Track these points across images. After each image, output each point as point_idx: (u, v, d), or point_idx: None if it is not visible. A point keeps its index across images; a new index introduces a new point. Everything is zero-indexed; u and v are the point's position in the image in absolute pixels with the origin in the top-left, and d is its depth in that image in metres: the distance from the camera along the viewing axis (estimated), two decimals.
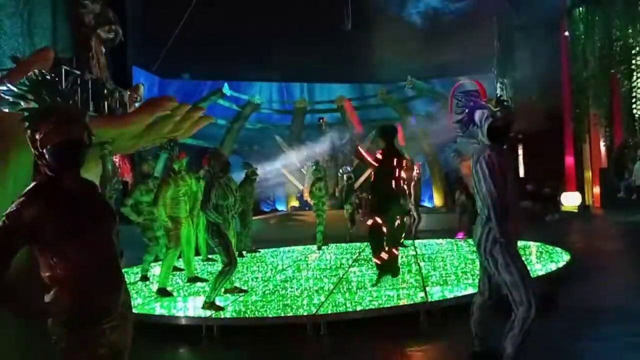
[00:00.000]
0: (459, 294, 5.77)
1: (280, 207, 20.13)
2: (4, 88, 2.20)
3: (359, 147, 6.99)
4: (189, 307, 6.13)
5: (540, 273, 6.57)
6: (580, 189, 18.89)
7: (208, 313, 5.58)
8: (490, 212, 3.38)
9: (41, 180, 2.21)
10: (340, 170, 13.61)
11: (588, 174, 19.23)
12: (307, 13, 18.08)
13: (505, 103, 3.53)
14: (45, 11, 9.91)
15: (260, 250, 11.18)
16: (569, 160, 19.31)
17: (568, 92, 18.89)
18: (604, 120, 17.97)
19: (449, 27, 17.97)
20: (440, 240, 11.07)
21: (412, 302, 5.60)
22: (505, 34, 18.34)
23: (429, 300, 5.59)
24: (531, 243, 9.27)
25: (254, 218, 12.04)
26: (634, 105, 17.05)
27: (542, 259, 7.71)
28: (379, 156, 6.81)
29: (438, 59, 18.20)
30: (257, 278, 7.75)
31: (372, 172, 7.21)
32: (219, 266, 6.21)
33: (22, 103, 2.19)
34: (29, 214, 2.11)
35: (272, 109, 21.63)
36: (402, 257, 7.91)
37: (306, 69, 19.77)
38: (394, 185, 6.67)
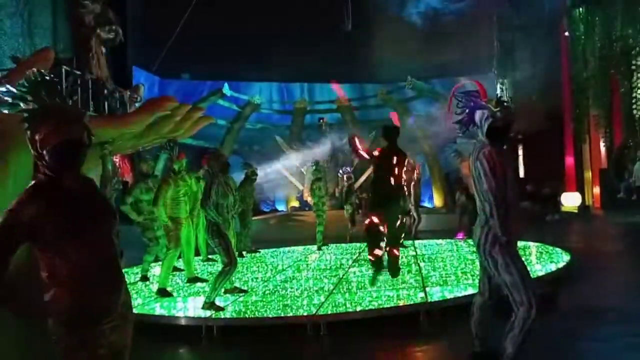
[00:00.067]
0: (459, 295, 5.77)
1: (280, 208, 20.13)
2: (3, 89, 2.20)
3: (355, 138, 6.92)
4: (189, 307, 6.13)
5: (541, 273, 6.57)
6: (580, 190, 18.89)
7: (208, 313, 5.58)
8: (491, 209, 3.36)
9: (41, 179, 2.21)
10: (341, 171, 13.60)
11: (588, 175, 19.23)
12: (307, 13, 18.08)
13: (505, 103, 3.53)
14: (45, 11, 9.92)
15: (260, 250, 11.18)
16: (569, 160, 19.31)
17: (568, 93, 18.90)
18: (603, 120, 17.99)
19: (449, 27, 17.96)
20: (440, 241, 11.06)
21: (412, 303, 5.60)
22: (505, 34, 18.35)
23: (429, 300, 5.59)
24: (531, 243, 9.27)
25: (253, 218, 12.04)
26: (634, 106, 17.06)
27: (542, 260, 7.71)
28: (376, 153, 6.79)
29: (438, 59, 18.19)
30: (257, 278, 7.75)
31: (372, 171, 7.19)
32: (219, 266, 6.21)
33: (22, 104, 2.20)
34: (28, 212, 2.11)
35: (272, 109, 21.63)
36: (402, 257, 7.89)
37: (306, 69, 19.76)
38: (393, 184, 6.64)
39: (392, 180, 6.59)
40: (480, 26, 17.56)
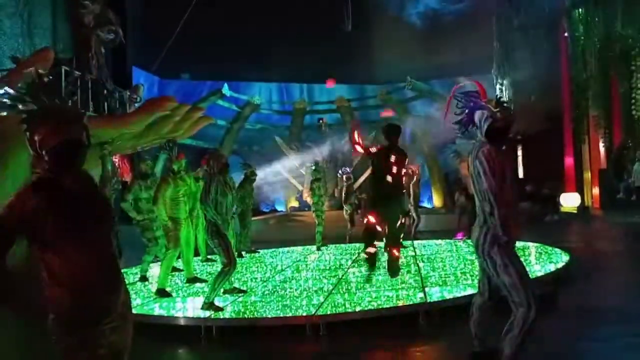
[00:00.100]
0: (458, 295, 5.77)
1: (280, 208, 20.13)
2: (1, 91, 2.20)
3: (355, 130, 6.89)
4: (188, 307, 6.12)
5: (540, 274, 6.57)
6: (580, 190, 18.91)
7: (207, 313, 5.58)
8: (491, 208, 3.36)
9: (41, 177, 2.21)
10: (340, 171, 13.60)
11: (587, 175, 19.25)
12: (307, 14, 18.09)
13: (504, 104, 3.53)
14: (45, 11, 9.92)
15: (259, 250, 11.18)
16: (569, 161, 19.33)
17: (567, 93, 18.91)
18: (603, 121, 18.01)
19: (448, 28, 17.98)
20: (439, 241, 11.07)
21: (411, 303, 5.60)
22: (505, 35, 18.35)
23: (428, 301, 5.58)
24: (530, 244, 9.28)
25: (253, 218, 12.04)
26: (633, 107, 17.08)
27: (541, 260, 7.71)
28: (374, 149, 6.77)
29: (437, 60, 18.21)
30: (256, 279, 7.75)
31: (371, 171, 7.14)
32: (218, 267, 6.21)
33: (20, 105, 2.20)
34: (28, 205, 2.12)
35: (271, 109, 21.64)
36: (401, 257, 7.89)
37: (306, 70, 19.77)
38: (392, 184, 6.60)
39: (392, 180, 6.57)
40: (480, 27, 17.56)
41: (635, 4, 15.87)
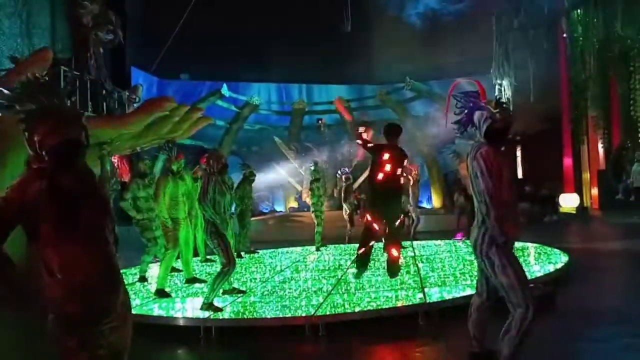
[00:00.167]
0: (458, 295, 5.78)
1: (279, 208, 20.12)
2: None
3: (359, 129, 6.89)
4: (188, 308, 6.12)
5: (539, 274, 6.57)
6: (579, 191, 18.93)
7: (206, 314, 5.58)
8: (487, 209, 3.37)
9: (42, 167, 2.21)
10: (339, 171, 13.60)
11: (586, 176, 19.27)
12: (307, 14, 18.09)
13: (504, 105, 3.53)
14: (43, 12, 9.92)
15: (258, 251, 11.18)
16: (567, 161, 19.34)
17: (566, 94, 18.93)
18: (602, 122, 18.03)
19: (447, 28, 17.98)
20: (438, 242, 11.07)
21: (410, 303, 5.60)
22: (504, 36, 18.37)
23: (428, 301, 5.59)
24: (529, 244, 9.29)
25: (252, 219, 12.03)
26: (632, 107, 17.10)
27: (540, 260, 7.72)
28: (371, 145, 6.77)
29: (437, 60, 18.21)
30: (255, 279, 7.74)
31: (370, 170, 7.11)
32: (217, 267, 6.21)
33: (17, 106, 2.20)
34: (30, 192, 2.12)
35: (270, 110, 21.62)
36: (400, 258, 7.89)
37: (305, 70, 19.77)
38: (382, 181, 6.59)
39: (384, 178, 6.56)
40: (479, 27, 17.57)
41: (634, 5, 15.89)
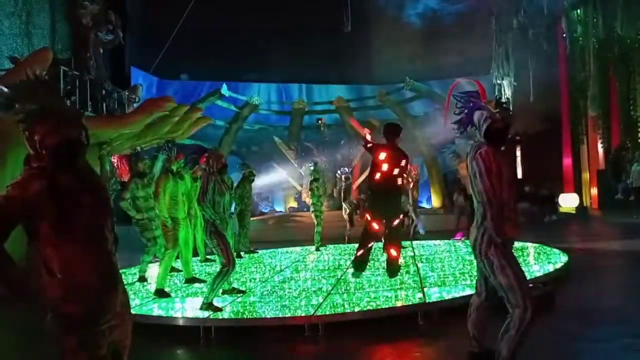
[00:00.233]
0: (457, 295, 5.78)
1: (279, 208, 20.12)
2: None
3: (366, 130, 6.91)
4: (187, 308, 6.12)
5: (538, 274, 6.58)
6: (578, 191, 18.95)
7: (206, 314, 5.57)
8: (484, 210, 3.38)
9: (42, 166, 2.21)
10: (339, 171, 13.60)
11: (586, 176, 19.28)
12: (306, 14, 18.09)
13: (504, 105, 3.53)
14: (43, 12, 9.92)
15: (258, 251, 11.18)
16: (567, 161, 19.36)
17: (566, 94, 18.94)
18: (601, 122, 18.03)
19: (447, 28, 17.99)
20: (438, 241, 11.07)
21: (410, 303, 5.60)
22: (504, 36, 18.38)
23: (427, 301, 5.59)
24: (529, 244, 9.29)
25: (252, 219, 12.03)
26: (631, 107, 17.10)
27: (539, 260, 7.72)
28: (370, 145, 6.78)
29: (436, 60, 18.23)
30: (255, 279, 7.74)
31: (369, 170, 7.13)
32: (217, 267, 6.21)
33: (17, 105, 2.20)
34: (31, 189, 2.12)
35: (270, 109, 21.63)
36: (400, 258, 7.89)
37: (305, 70, 19.77)
38: (378, 180, 6.61)
39: (380, 177, 6.58)
40: (479, 27, 17.58)
41: (633, 5, 15.90)
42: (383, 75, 20.09)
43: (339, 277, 7.43)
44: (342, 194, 12.85)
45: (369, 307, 5.51)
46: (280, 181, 19.25)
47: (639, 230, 12.00)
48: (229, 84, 19.72)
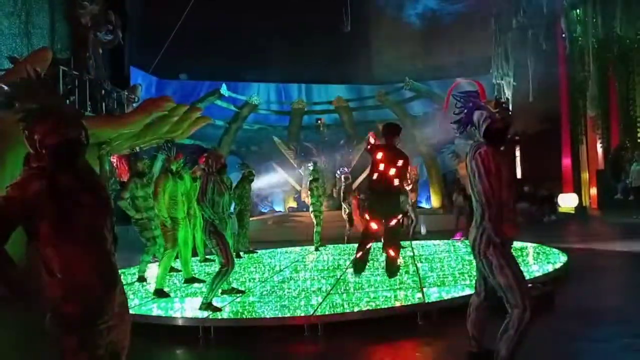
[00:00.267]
0: (456, 295, 5.78)
1: (278, 208, 20.12)
2: None
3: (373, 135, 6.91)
4: (186, 308, 6.12)
5: (538, 274, 6.58)
6: (577, 191, 18.95)
7: (205, 314, 5.57)
8: (483, 210, 3.38)
9: (42, 166, 2.21)
10: (338, 171, 13.60)
11: (585, 176, 19.28)
12: (306, 14, 18.08)
13: (503, 105, 3.53)
14: (43, 12, 9.92)
15: (257, 250, 11.18)
16: (566, 161, 19.37)
17: (565, 94, 18.95)
18: (601, 122, 18.04)
19: (447, 28, 17.99)
20: (437, 241, 11.07)
21: (409, 303, 5.60)
22: (503, 36, 18.39)
23: (427, 301, 5.59)
24: (528, 244, 9.30)
25: (251, 219, 12.02)
26: (630, 107, 17.11)
27: (539, 260, 7.72)
28: (369, 146, 6.81)
29: (436, 60, 18.23)
30: (254, 279, 7.74)
31: (369, 170, 7.16)
32: (216, 267, 6.21)
33: (17, 104, 2.20)
34: (31, 189, 2.12)
35: (269, 109, 21.62)
36: (399, 258, 7.90)
37: (304, 70, 19.77)
38: (375, 180, 6.64)
39: (377, 177, 6.60)
40: (478, 27, 17.59)
41: (633, 5, 15.91)
42: (382, 75, 20.09)
43: (338, 277, 7.43)
44: (341, 194, 12.84)
45: (368, 307, 5.51)
46: (280, 181, 19.24)
47: (639, 230, 12.01)
48: (228, 83, 19.72)
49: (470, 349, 3.77)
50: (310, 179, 11.58)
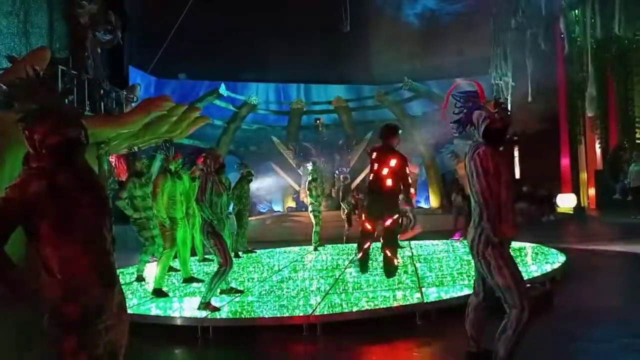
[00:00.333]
0: (455, 295, 5.78)
1: (277, 208, 20.12)
2: None
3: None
4: (185, 307, 6.11)
5: (536, 274, 6.58)
6: (576, 191, 18.96)
7: (204, 314, 5.57)
8: (481, 210, 3.38)
9: (41, 166, 2.21)
10: (337, 171, 13.61)
11: (583, 176, 19.30)
12: (305, 14, 18.08)
13: (502, 105, 3.54)
14: (41, 11, 9.90)
15: (256, 250, 11.17)
16: (565, 161, 19.38)
17: (564, 94, 18.96)
18: (599, 122, 18.06)
19: (446, 28, 18.00)
20: (436, 241, 11.08)
21: (408, 303, 5.60)
22: (502, 36, 18.40)
23: (425, 301, 5.59)
24: (527, 244, 9.30)
25: (250, 218, 12.02)
26: (629, 107, 17.12)
27: (537, 260, 7.73)
28: (369, 150, 6.89)
29: (435, 60, 18.23)
30: (253, 279, 7.74)
31: (369, 171, 7.21)
32: (215, 267, 6.21)
33: (16, 104, 2.20)
34: (30, 190, 2.12)
35: (268, 109, 21.62)
36: (398, 258, 7.90)
37: (303, 70, 19.76)
38: (371, 180, 6.69)
39: (372, 177, 6.64)
40: (477, 27, 17.59)
41: (631, 6, 15.92)
42: (381, 75, 20.07)
43: (337, 277, 7.43)
44: (340, 194, 12.85)
45: (367, 307, 5.51)
46: (279, 181, 19.24)
47: (637, 230, 12.02)
48: (227, 83, 19.71)
49: (469, 349, 3.77)
50: (309, 179, 11.58)
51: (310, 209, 11.45)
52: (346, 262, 8.83)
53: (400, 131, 7.05)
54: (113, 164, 11.54)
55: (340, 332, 5.11)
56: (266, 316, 5.47)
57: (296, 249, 11.45)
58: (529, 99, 16.79)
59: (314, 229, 11.26)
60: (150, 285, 7.18)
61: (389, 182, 6.62)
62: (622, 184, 15.77)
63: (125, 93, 9.26)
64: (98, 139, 7.38)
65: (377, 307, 5.49)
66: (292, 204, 19.64)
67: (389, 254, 6.77)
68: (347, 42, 17.83)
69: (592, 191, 18.64)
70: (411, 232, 9.36)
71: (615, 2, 15.37)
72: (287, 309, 5.63)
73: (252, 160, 15.40)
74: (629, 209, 14.54)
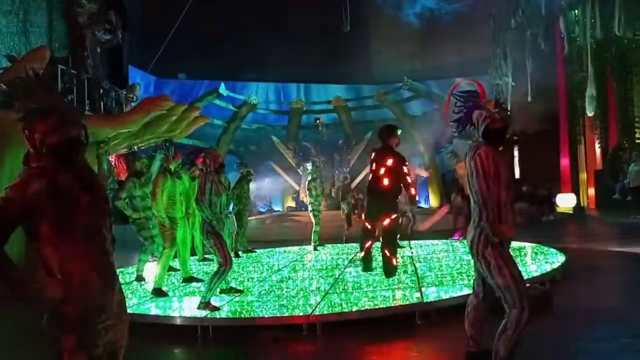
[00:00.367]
0: (455, 295, 5.78)
1: (277, 207, 20.12)
2: None
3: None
4: (185, 307, 6.11)
5: (536, 274, 6.58)
6: (575, 191, 18.98)
7: (203, 313, 5.57)
8: (480, 210, 3.38)
9: (41, 167, 2.20)
10: (337, 171, 13.61)
11: (583, 176, 19.32)
12: (305, 14, 18.07)
13: (502, 105, 3.54)
14: (41, 10, 9.89)
15: (256, 250, 11.17)
16: (564, 161, 19.39)
17: (563, 94, 18.96)
18: (599, 122, 18.06)
19: (445, 28, 17.99)
20: (436, 241, 11.07)
21: (408, 303, 5.60)
22: (502, 36, 18.39)
23: (425, 301, 5.59)
24: (527, 244, 9.31)
25: (250, 218, 12.02)
26: (628, 107, 17.13)
27: (537, 260, 7.73)
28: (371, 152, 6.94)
29: (435, 60, 18.22)
30: (252, 278, 7.74)
31: (369, 171, 7.24)
32: (214, 266, 6.20)
33: (16, 104, 2.20)
34: (30, 190, 2.12)
35: (268, 109, 21.62)
36: (397, 258, 7.90)
37: (303, 70, 19.76)
38: (370, 180, 6.73)
39: (371, 177, 6.66)
40: (477, 27, 17.58)
41: (631, 6, 15.92)
42: (381, 74, 20.07)
43: (336, 276, 7.43)
44: (340, 194, 12.85)
45: (366, 307, 5.51)
46: (278, 181, 19.24)
47: (637, 230, 12.03)
48: (227, 83, 19.70)
49: (469, 348, 3.77)
50: (309, 178, 11.58)
51: (310, 208, 11.45)
52: (346, 262, 8.83)
53: (399, 131, 7.05)
54: (113, 163, 11.53)
55: (340, 332, 5.11)
56: (266, 316, 5.47)
57: (296, 248, 11.45)
58: (529, 98, 16.78)
59: (313, 229, 11.26)
60: (149, 285, 7.18)
61: (385, 181, 6.63)
62: (621, 184, 15.78)
63: (124, 92, 9.26)
64: (98, 138, 7.38)
65: (376, 307, 5.49)
66: (292, 204, 19.64)
67: (387, 254, 6.78)
68: (347, 42, 17.82)
69: (591, 191, 18.66)
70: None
71: (615, 2, 15.37)
72: (286, 308, 5.63)
73: (252, 160, 15.40)
74: (628, 208, 14.55)
